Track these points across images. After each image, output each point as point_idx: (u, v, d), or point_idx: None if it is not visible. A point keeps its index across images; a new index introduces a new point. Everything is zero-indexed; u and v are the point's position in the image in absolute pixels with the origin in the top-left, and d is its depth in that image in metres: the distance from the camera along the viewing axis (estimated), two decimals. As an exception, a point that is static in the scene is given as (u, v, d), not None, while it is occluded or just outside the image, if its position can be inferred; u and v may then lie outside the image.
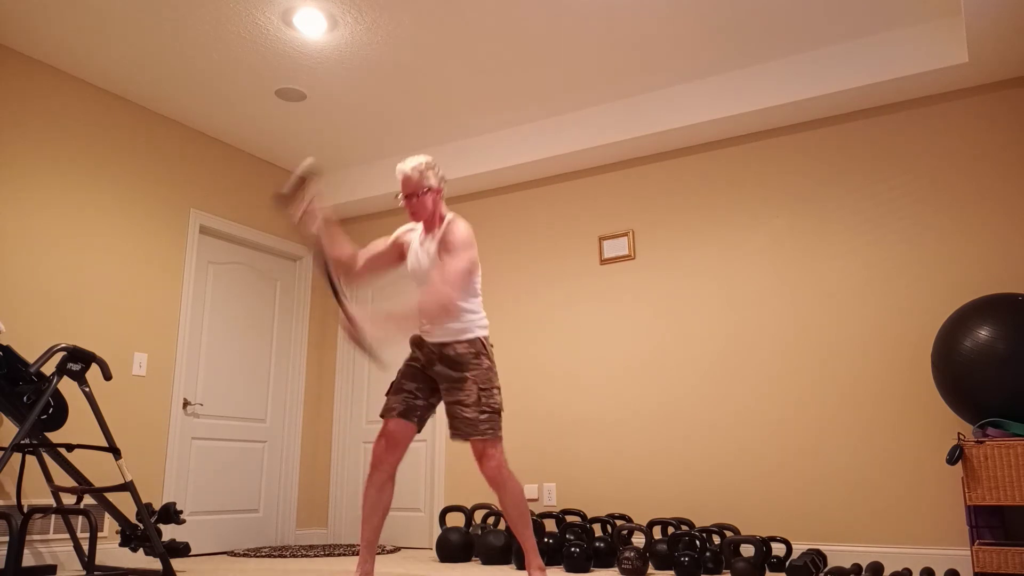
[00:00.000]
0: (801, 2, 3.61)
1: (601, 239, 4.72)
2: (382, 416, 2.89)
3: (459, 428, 2.82)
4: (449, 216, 2.96)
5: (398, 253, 3.07)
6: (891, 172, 3.98)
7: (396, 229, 3.27)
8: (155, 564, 4.12)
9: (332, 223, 2.88)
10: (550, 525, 4.55)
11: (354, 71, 4.20)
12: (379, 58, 4.07)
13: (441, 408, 5.01)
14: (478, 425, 2.79)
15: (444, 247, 2.86)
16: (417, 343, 2.98)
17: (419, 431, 2.93)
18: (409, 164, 2.91)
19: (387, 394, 2.93)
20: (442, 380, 2.89)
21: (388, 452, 2.82)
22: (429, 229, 2.97)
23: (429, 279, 2.91)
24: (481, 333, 2.91)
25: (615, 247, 4.67)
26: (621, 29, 3.82)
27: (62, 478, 3.86)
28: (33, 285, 3.87)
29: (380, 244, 3.07)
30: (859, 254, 3.97)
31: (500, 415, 2.85)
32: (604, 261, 4.69)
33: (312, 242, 2.80)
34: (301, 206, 2.75)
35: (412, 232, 3.05)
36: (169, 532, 4.38)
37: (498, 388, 2.88)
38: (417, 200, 2.91)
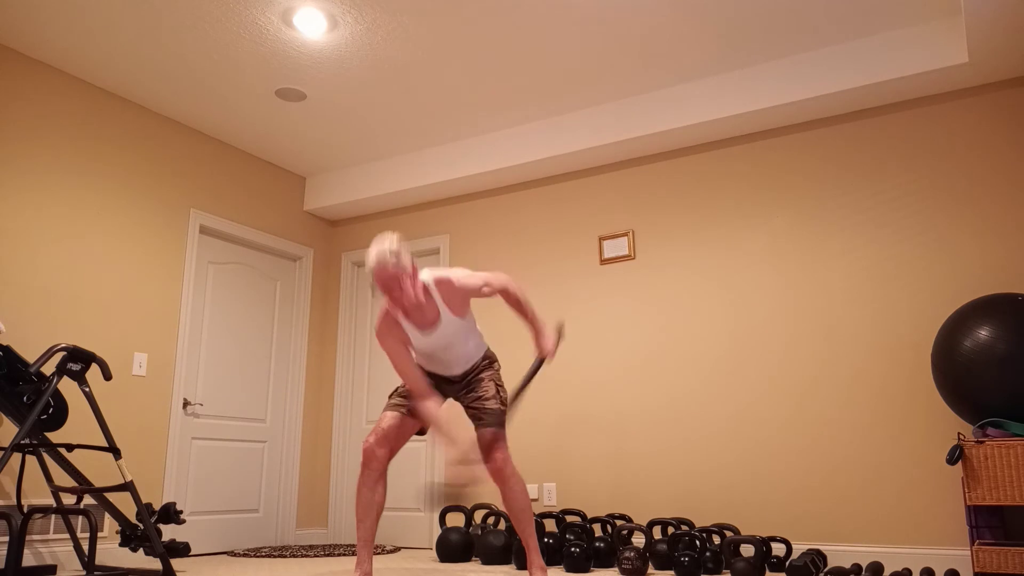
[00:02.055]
0: (801, 2, 3.61)
1: (601, 239, 4.72)
2: (381, 417, 2.92)
3: (484, 418, 2.94)
4: (430, 278, 2.80)
5: (408, 347, 2.92)
6: (891, 172, 3.98)
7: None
8: (155, 564, 4.12)
9: (455, 457, 2.86)
10: (550, 525, 4.55)
11: (354, 71, 4.20)
12: (379, 58, 4.07)
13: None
14: (499, 416, 2.94)
15: (466, 293, 2.81)
16: (426, 372, 3.08)
17: (423, 432, 3.02)
18: (383, 251, 2.64)
19: (390, 396, 2.98)
20: (458, 389, 3.05)
21: (377, 449, 2.85)
22: (416, 310, 2.78)
23: (458, 338, 2.90)
24: (487, 345, 3.15)
25: (615, 247, 4.67)
26: (621, 29, 3.82)
27: (62, 478, 3.86)
28: (33, 285, 3.87)
29: (405, 364, 2.88)
30: (859, 254, 3.97)
31: (506, 411, 3.03)
32: (604, 261, 4.69)
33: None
34: (459, 482, 2.82)
35: (396, 326, 2.86)
36: (169, 532, 4.38)
37: (504, 386, 3.12)
38: (400, 289, 2.66)
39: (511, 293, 2.93)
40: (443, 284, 2.78)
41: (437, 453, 4.98)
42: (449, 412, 2.89)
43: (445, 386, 3.05)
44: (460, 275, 2.81)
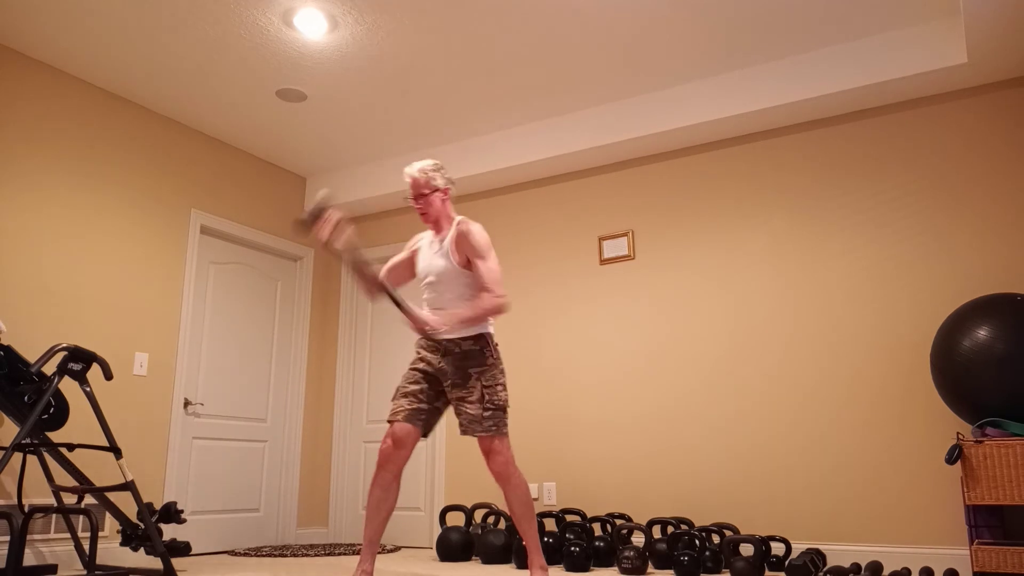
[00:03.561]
0: (801, 2, 3.61)
1: (601, 239, 4.72)
2: (389, 420, 2.93)
3: (464, 424, 2.90)
4: (459, 218, 3.05)
5: (411, 259, 3.18)
6: (891, 172, 3.99)
7: (401, 231, 3.35)
8: (156, 563, 4.13)
9: (344, 220, 3.00)
10: (550, 524, 4.56)
11: (355, 72, 4.20)
12: (379, 59, 4.08)
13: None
14: (482, 422, 2.86)
15: (471, 252, 2.95)
16: (423, 343, 3.03)
17: (425, 436, 2.97)
18: (416, 166, 3.05)
19: (393, 399, 2.98)
20: (448, 376, 2.95)
21: (394, 453, 2.86)
22: (438, 230, 3.08)
23: (443, 277, 2.99)
24: (487, 330, 3.00)
25: (615, 247, 4.67)
26: (621, 29, 3.82)
27: (63, 478, 3.86)
28: (34, 285, 3.88)
29: (397, 258, 3.20)
30: (859, 254, 3.98)
31: (505, 412, 2.93)
32: (604, 261, 4.69)
33: (344, 251, 2.89)
34: (326, 225, 2.83)
35: (422, 239, 3.17)
36: (170, 531, 4.39)
37: (503, 385, 2.95)
38: (424, 200, 3.04)
39: (483, 296, 2.89)
40: (462, 224, 3.01)
41: (437, 454, 4.99)
42: (362, 257, 3.15)
43: (436, 366, 2.96)
44: (476, 231, 2.98)
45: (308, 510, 5.33)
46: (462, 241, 2.96)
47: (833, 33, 3.87)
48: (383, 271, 3.18)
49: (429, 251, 3.08)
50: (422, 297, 3.10)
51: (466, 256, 2.97)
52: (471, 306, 2.88)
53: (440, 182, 3.06)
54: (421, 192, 3.04)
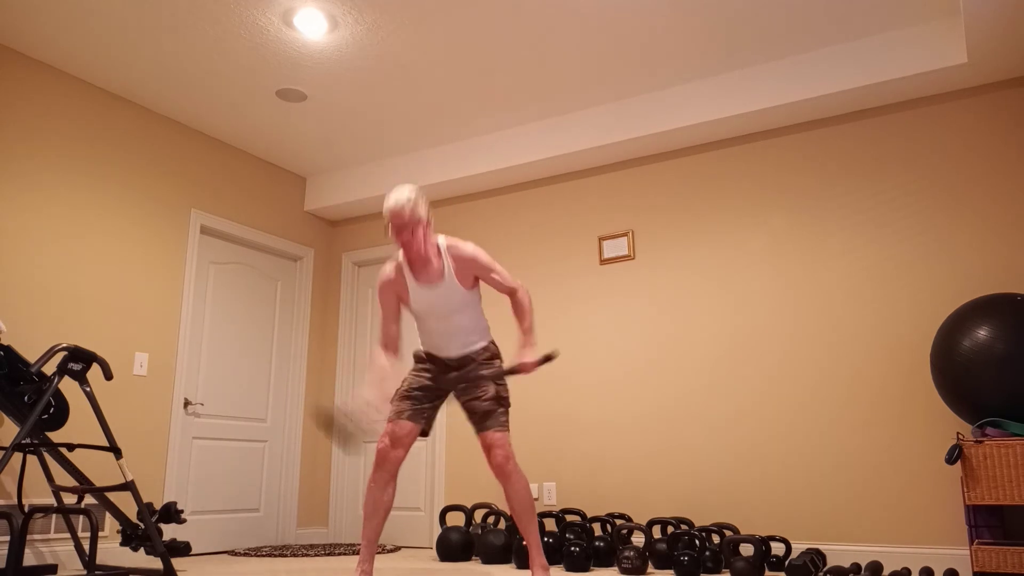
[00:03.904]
0: (801, 3, 3.61)
1: (601, 239, 4.72)
2: (390, 420, 2.93)
3: (480, 421, 2.93)
4: (444, 243, 2.94)
5: (399, 304, 3.03)
6: (891, 172, 3.99)
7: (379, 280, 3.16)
8: (156, 563, 4.13)
9: (370, 397, 2.91)
10: (550, 524, 4.56)
11: (355, 72, 4.20)
12: (380, 59, 4.08)
13: (442, 410, 5.03)
14: (498, 416, 2.91)
15: (482, 271, 2.94)
16: (427, 357, 3.06)
17: (426, 435, 3.02)
18: (402, 197, 2.78)
19: (392, 400, 2.98)
20: (458, 383, 3.00)
21: (391, 452, 2.88)
22: (423, 262, 2.89)
23: (460, 308, 2.94)
24: (491, 337, 3.09)
25: (615, 247, 4.67)
26: (621, 29, 3.83)
27: (63, 478, 3.86)
28: (34, 285, 3.88)
29: (387, 317, 3.02)
30: (859, 254, 3.98)
31: (509, 408, 3.01)
32: (604, 261, 4.69)
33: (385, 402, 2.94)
34: (366, 419, 2.86)
35: (398, 275, 2.98)
36: (170, 531, 4.39)
37: (507, 383, 3.05)
38: (412, 235, 2.80)
39: (519, 298, 2.98)
40: (455, 249, 2.92)
41: (437, 454, 4.99)
42: (391, 368, 2.98)
43: (442, 377, 3.02)
44: (477, 251, 2.95)
45: (308, 510, 5.33)
46: (469, 266, 2.92)
47: (833, 33, 3.87)
48: (391, 345, 3.01)
49: (427, 291, 2.91)
50: (428, 329, 2.99)
51: (472, 277, 2.96)
52: (524, 313, 2.96)
53: (423, 212, 2.81)
54: (407, 227, 2.78)
